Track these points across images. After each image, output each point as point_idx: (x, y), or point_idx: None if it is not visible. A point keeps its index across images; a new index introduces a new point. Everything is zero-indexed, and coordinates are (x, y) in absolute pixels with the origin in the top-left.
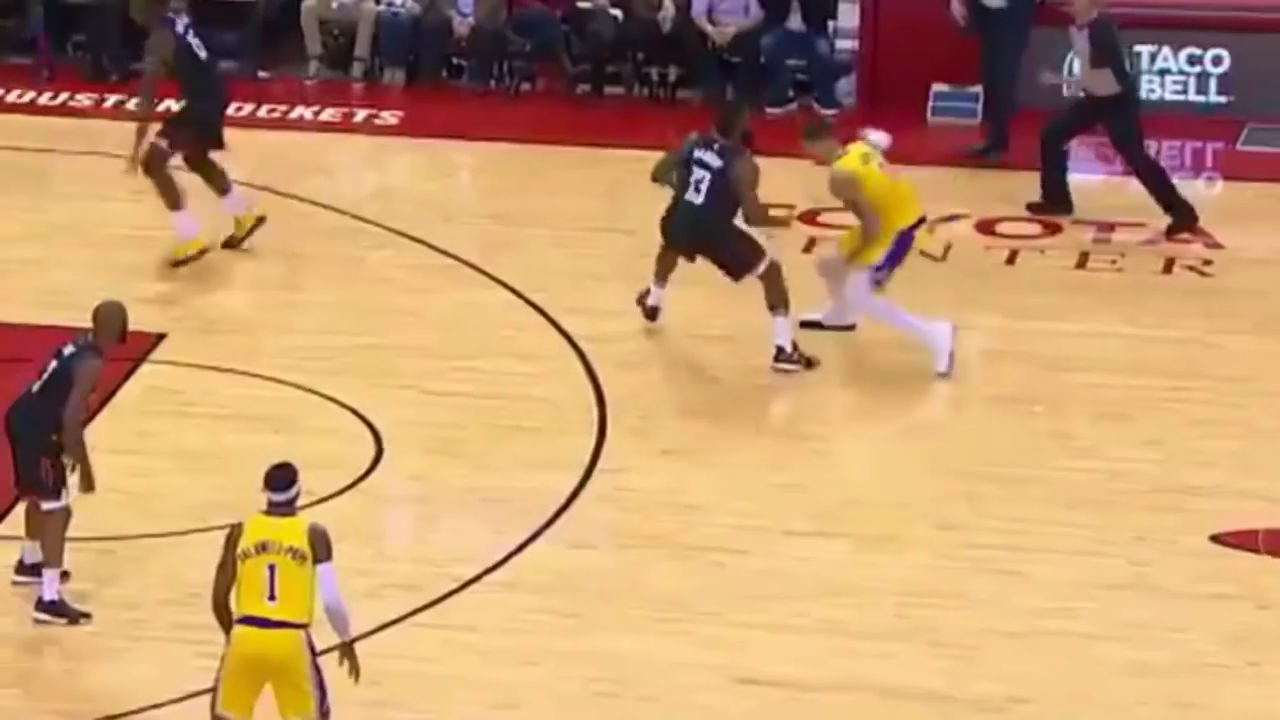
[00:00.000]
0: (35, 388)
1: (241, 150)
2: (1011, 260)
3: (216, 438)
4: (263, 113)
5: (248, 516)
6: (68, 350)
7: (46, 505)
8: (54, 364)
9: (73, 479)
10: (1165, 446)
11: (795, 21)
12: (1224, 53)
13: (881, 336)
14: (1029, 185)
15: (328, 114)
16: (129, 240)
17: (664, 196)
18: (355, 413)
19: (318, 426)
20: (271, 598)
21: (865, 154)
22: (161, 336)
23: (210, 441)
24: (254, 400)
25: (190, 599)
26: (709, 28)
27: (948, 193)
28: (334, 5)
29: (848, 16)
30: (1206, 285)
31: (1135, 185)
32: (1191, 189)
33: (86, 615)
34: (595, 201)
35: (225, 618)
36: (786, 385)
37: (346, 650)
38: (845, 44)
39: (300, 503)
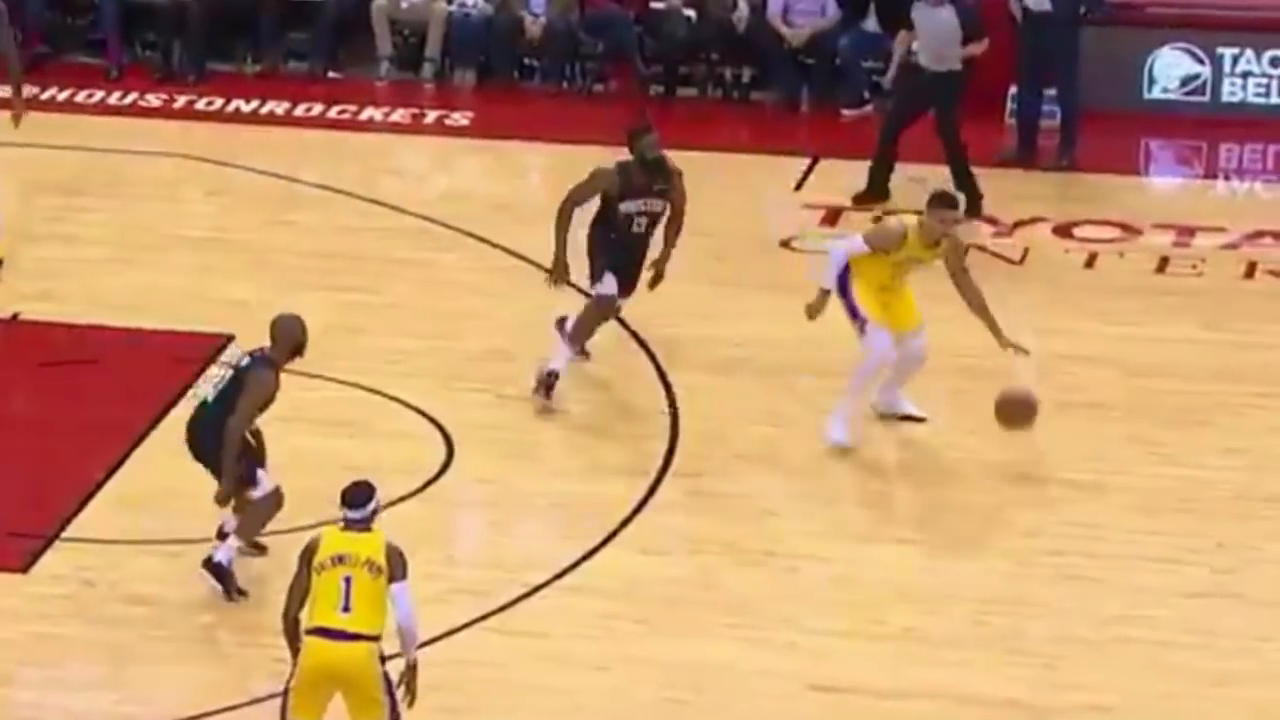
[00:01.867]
0: (210, 399)
1: (312, 151)
2: (1090, 264)
3: (287, 441)
4: (333, 113)
5: (324, 531)
6: (244, 362)
7: (254, 494)
8: (229, 374)
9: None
10: (1248, 454)
11: (871, 23)
12: None
13: (959, 343)
14: (1107, 189)
15: (398, 115)
16: (200, 242)
17: (736, 198)
18: (426, 416)
19: (388, 430)
20: (346, 609)
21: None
22: (230, 338)
23: (281, 444)
24: (325, 403)
25: (260, 603)
26: (784, 28)
27: (1025, 195)
28: (404, 5)
29: None
30: None
31: (1215, 190)
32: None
33: (244, 593)
34: None
35: (294, 633)
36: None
37: (410, 672)
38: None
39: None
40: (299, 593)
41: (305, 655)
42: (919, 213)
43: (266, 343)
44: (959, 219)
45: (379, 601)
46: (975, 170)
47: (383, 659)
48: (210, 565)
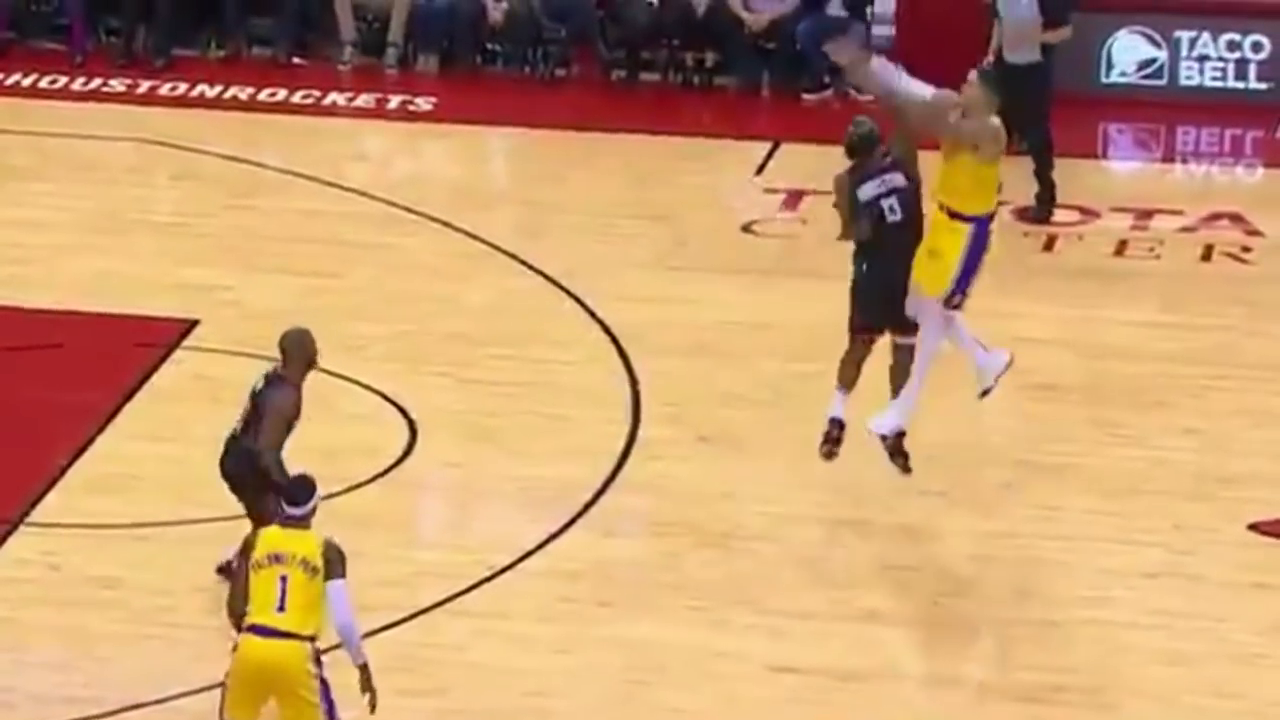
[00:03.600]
0: (237, 429)
1: (275, 136)
2: (1049, 247)
3: None
4: (297, 98)
5: (262, 529)
6: (258, 385)
7: None
8: (248, 403)
9: None
10: (1205, 435)
11: (836, 6)
12: (1264, 39)
13: None
14: (1066, 173)
15: (362, 100)
16: (164, 226)
17: (697, 183)
18: (390, 400)
19: (352, 413)
20: (281, 608)
21: None
22: (195, 323)
23: None
24: None
25: (222, 586)
26: (745, 14)
27: None
28: None
29: (884, 2)
30: (1247, 273)
31: (1173, 173)
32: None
33: None
34: (630, 188)
35: (238, 626)
36: (825, 374)
37: (363, 675)
38: (882, 30)
39: (335, 489)
40: (240, 589)
41: (240, 652)
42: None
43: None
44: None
45: (315, 601)
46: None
47: (318, 659)
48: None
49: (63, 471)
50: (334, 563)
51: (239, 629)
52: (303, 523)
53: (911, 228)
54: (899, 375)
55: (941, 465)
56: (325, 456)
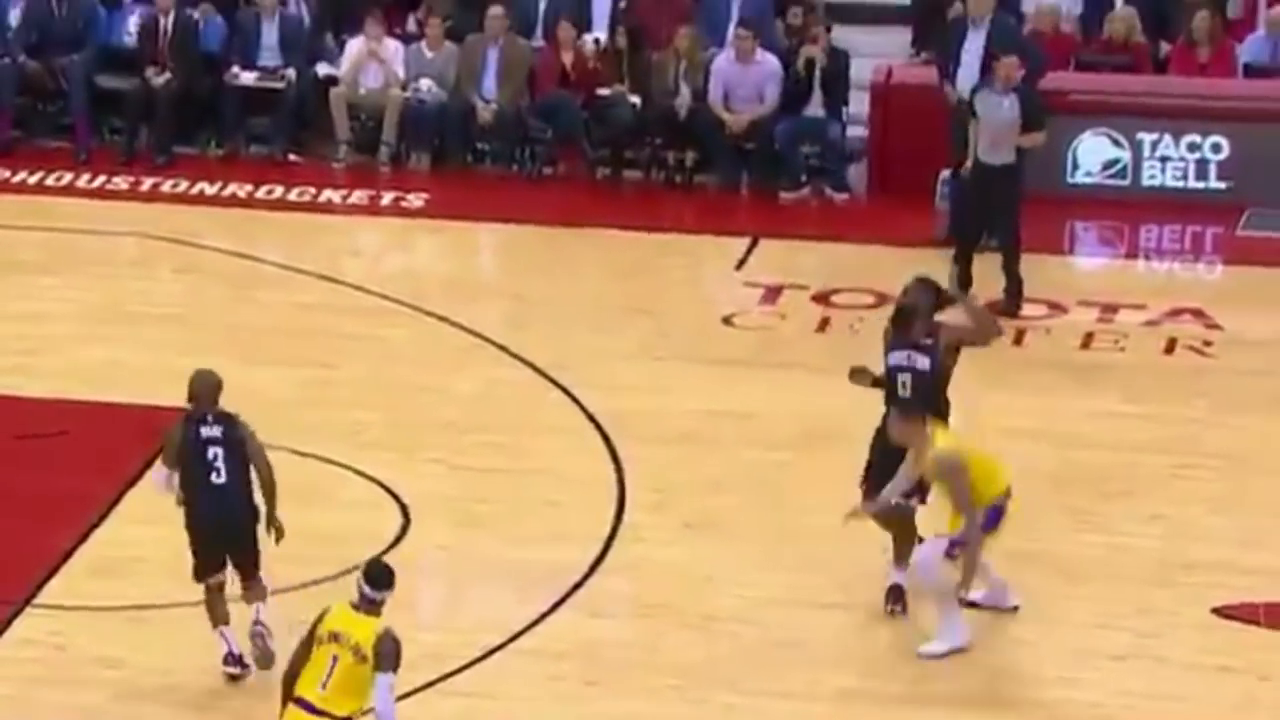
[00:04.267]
0: (221, 480)
1: (273, 231)
2: (1019, 340)
3: None
4: (294, 195)
5: (336, 604)
6: (218, 432)
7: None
8: (216, 450)
9: None
10: (1169, 522)
11: (814, 108)
12: (1223, 140)
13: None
14: (1034, 269)
15: (356, 196)
16: (166, 319)
17: (679, 277)
18: (383, 486)
19: (348, 498)
20: (323, 686)
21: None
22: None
23: None
24: (287, 473)
25: (220, 665)
26: (725, 115)
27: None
28: (362, 91)
29: (859, 104)
30: (1208, 366)
31: (1137, 269)
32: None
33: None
34: (615, 282)
35: (287, 691)
36: (801, 461)
37: None
38: (856, 130)
39: (330, 572)
40: (301, 654)
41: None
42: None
43: (189, 405)
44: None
45: (357, 686)
46: (909, 251)
47: None
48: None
49: (67, 555)
50: (384, 656)
51: (285, 689)
52: (374, 608)
53: (917, 408)
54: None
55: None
56: (324, 540)
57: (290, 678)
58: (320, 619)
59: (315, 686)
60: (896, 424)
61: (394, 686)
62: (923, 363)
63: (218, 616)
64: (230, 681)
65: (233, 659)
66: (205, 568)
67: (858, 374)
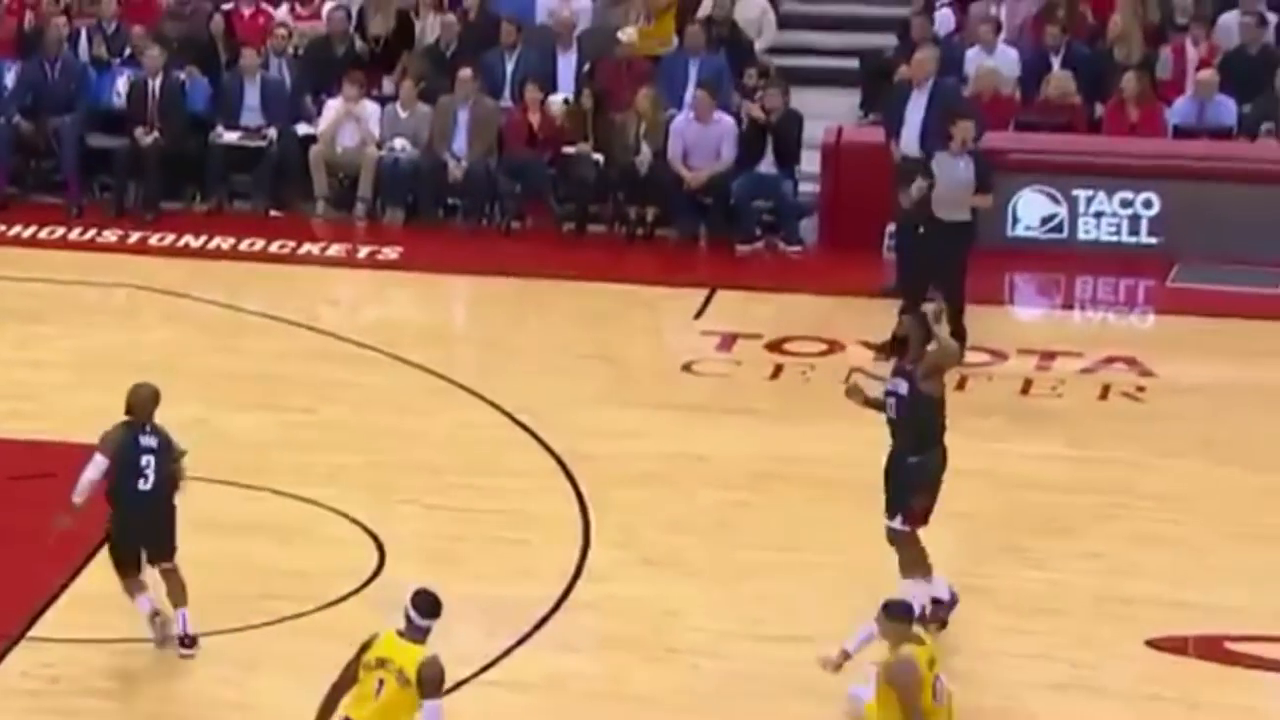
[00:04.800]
0: (149, 486)
1: (255, 282)
2: (961, 386)
3: (235, 547)
4: (274, 248)
5: (384, 631)
6: (154, 442)
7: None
8: (150, 458)
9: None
10: (1105, 559)
11: (767, 165)
12: (1154, 196)
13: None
14: (976, 318)
15: (334, 250)
16: (153, 365)
17: (641, 326)
18: (360, 524)
19: (326, 536)
20: (370, 709)
21: (933, 658)
22: (182, 454)
23: (229, 550)
24: (269, 512)
25: (206, 696)
26: (684, 171)
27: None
28: (339, 150)
29: (811, 162)
30: (1141, 411)
31: (1073, 319)
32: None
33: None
34: (580, 330)
35: (326, 709)
36: (760, 502)
37: None
38: (808, 187)
39: (307, 608)
40: (346, 677)
41: None
42: None
43: (127, 417)
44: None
45: (402, 710)
46: (857, 301)
47: None
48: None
49: (60, 590)
50: (428, 683)
51: (323, 709)
52: (420, 635)
53: (905, 429)
54: None
55: (867, 585)
56: (303, 577)
57: (329, 703)
58: (367, 646)
59: (362, 709)
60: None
61: (442, 710)
62: (903, 388)
63: (134, 590)
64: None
65: (154, 613)
66: (127, 568)
67: (854, 392)
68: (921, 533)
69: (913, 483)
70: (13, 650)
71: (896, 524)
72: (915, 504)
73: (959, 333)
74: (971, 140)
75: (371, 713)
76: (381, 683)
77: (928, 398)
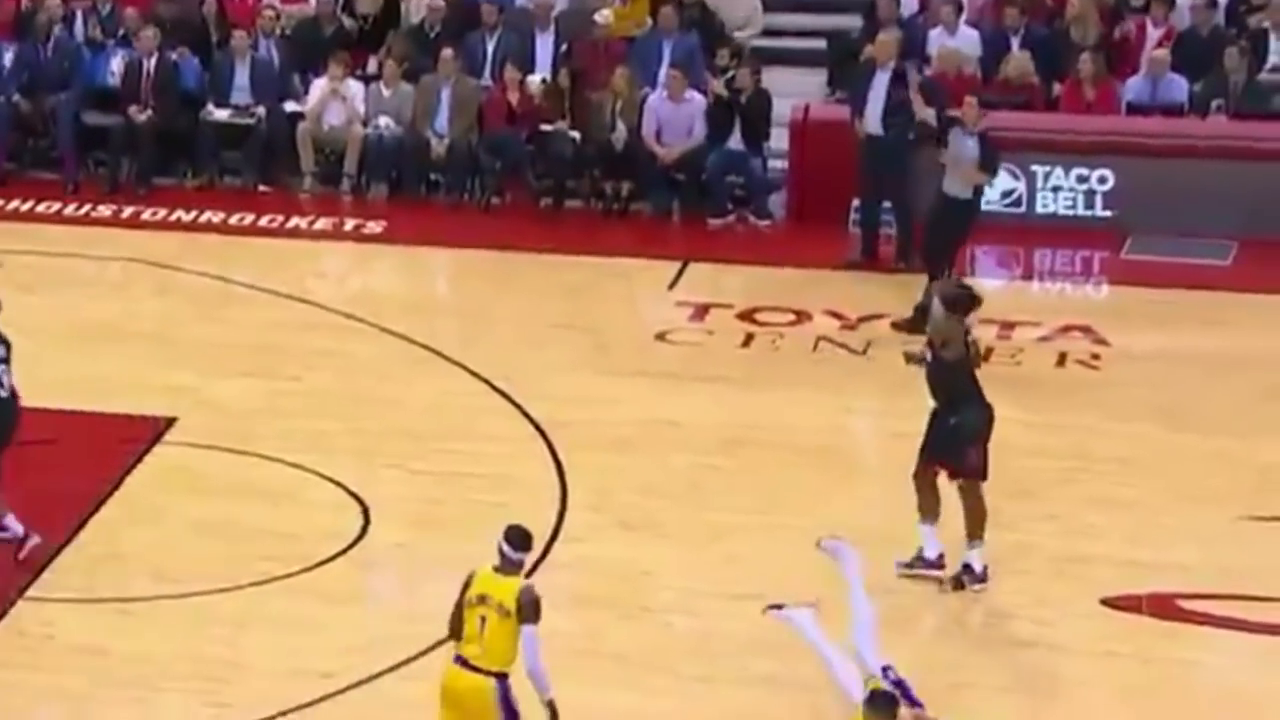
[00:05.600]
0: (3, 393)
1: (244, 255)
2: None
3: (221, 510)
4: (263, 222)
5: (479, 569)
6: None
7: None
8: (3, 367)
9: None
10: (1063, 521)
11: (735, 141)
12: (1108, 172)
13: (817, 437)
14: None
15: (320, 224)
16: (146, 335)
17: (616, 297)
18: (346, 488)
19: (312, 500)
20: (478, 645)
21: None
22: (173, 421)
23: (218, 513)
24: (257, 477)
25: (197, 653)
26: (657, 148)
27: (868, 294)
28: (326, 127)
29: (780, 139)
30: (1096, 378)
31: (1031, 290)
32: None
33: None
34: (557, 302)
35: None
36: (730, 466)
37: (549, 709)
38: (778, 163)
39: (295, 569)
40: (456, 615)
41: (442, 678)
42: None
43: None
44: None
45: (507, 642)
46: (823, 273)
47: (506, 693)
48: None
49: (57, 551)
50: (526, 608)
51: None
52: (514, 568)
53: (938, 393)
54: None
55: None
56: (291, 539)
57: (452, 632)
58: (467, 585)
59: (470, 645)
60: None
61: (538, 636)
62: (929, 355)
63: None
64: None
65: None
66: None
67: (911, 359)
68: (888, 497)
69: (960, 442)
70: (11, 609)
71: (959, 483)
72: (970, 460)
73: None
74: (979, 117)
75: (481, 648)
76: (484, 619)
77: (948, 363)
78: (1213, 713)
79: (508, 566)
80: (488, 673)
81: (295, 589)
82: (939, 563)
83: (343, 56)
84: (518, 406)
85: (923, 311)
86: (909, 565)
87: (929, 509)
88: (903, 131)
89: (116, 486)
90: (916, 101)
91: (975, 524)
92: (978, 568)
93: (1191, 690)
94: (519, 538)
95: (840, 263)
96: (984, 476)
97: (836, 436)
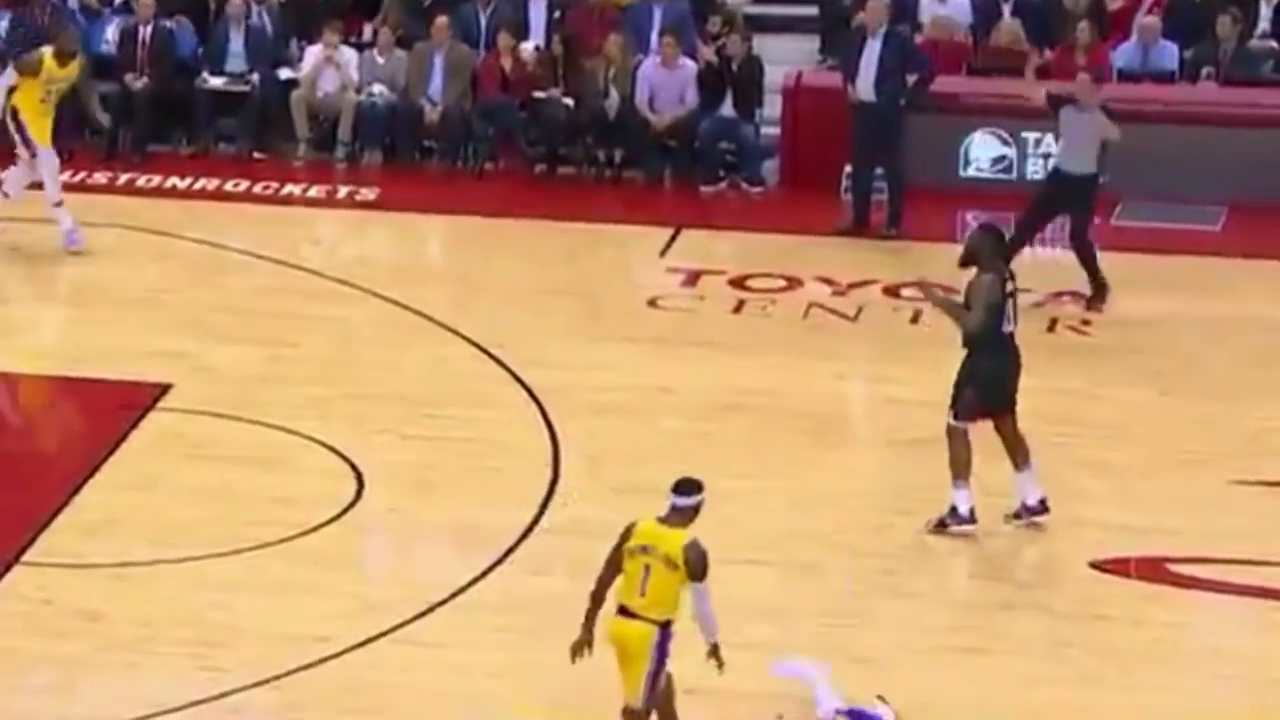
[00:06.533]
0: None
1: (239, 222)
2: (915, 320)
3: (217, 476)
4: (258, 189)
5: (641, 519)
6: None
7: None
8: None
9: None
10: (1051, 483)
11: (727, 108)
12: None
13: (808, 402)
14: (930, 255)
15: (315, 190)
16: (142, 302)
17: (609, 263)
18: (340, 454)
19: (307, 466)
20: (642, 594)
21: None
22: (169, 387)
23: (213, 478)
24: (252, 443)
25: (193, 618)
26: (650, 115)
27: (859, 260)
28: (320, 95)
29: (772, 106)
30: (1086, 344)
31: (1022, 255)
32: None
33: None
34: (550, 268)
35: (594, 604)
36: (718, 431)
37: (714, 650)
38: (770, 130)
39: (291, 534)
40: (611, 566)
41: (606, 628)
42: None
43: None
44: None
45: (670, 592)
46: (815, 239)
47: (663, 642)
48: None
49: (53, 516)
50: (694, 564)
51: (594, 598)
52: (682, 516)
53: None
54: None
55: (827, 510)
56: (285, 504)
57: (600, 585)
58: (627, 535)
59: (635, 595)
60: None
61: (708, 592)
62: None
63: None
64: None
65: None
66: None
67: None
68: (878, 461)
69: (960, 381)
70: (8, 573)
71: (949, 418)
72: (962, 400)
73: (1099, 288)
74: (1094, 92)
75: (645, 598)
76: (648, 568)
77: (983, 310)
78: (1201, 676)
79: (675, 517)
80: (650, 620)
81: (290, 554)
82: (1038, 508)
83: (336, 25)
84: (511, 372)
85: (1101, 288)
86: (1015, 515)
87: (1014, 457)
88: (894, 98)
89: (112, 452)
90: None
91: (955, 466)
92: (963, 509)
93: (1180, 653)
94: (688, 484)
95: (832, 229)
96: (969, 419)
97: (828, 402)
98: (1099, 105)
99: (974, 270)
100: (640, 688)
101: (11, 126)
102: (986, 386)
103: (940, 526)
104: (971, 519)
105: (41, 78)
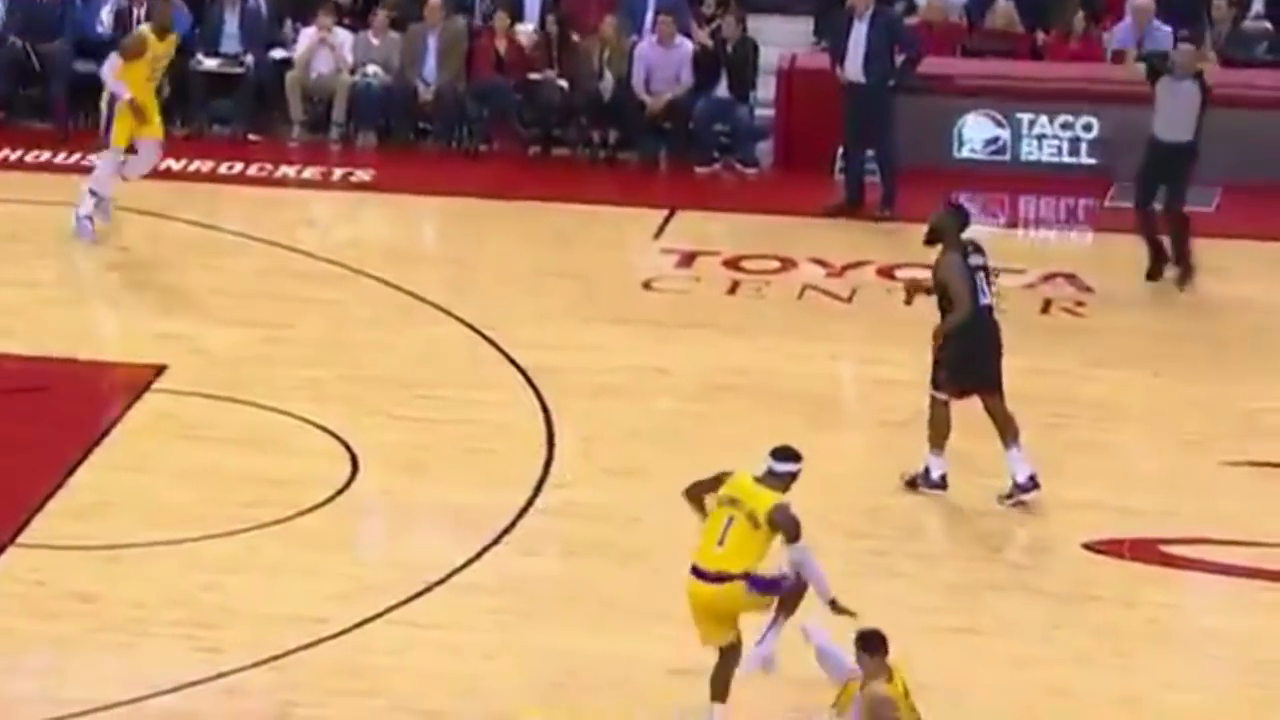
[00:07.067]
0: None
1: (233, 204)
2: (909, 301)
3: (214, 456)
4: (252, 171)
5: (739, 472)
6: None
7: None
8: None
9: None
10: (1045, 464)
11: (722, 90)
12: (1094, 120)
13: (802, 383)
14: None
15: (309, 172)
16: (136, 284)
17: (603, 245)
18: (334, 435)
19: (301, 447)
20: (720, 544)
21: (907, 689)
22: (163, 368)
23: (207, 460)
24: (246, 424)
25: (188, 599)
26: (645, 96)
27: (852, 241)
28: (314, 76)
29: (766, 87)
30: (1080, 325)
31: (1016, 237)
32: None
33: None
34: (545, 249)
35: (694, 501)
36: (712, 412)
37: (835, 607)
38: (764, 111)
39: (286, 514)
40: (704, 486)
41: (687, 588)
42: None
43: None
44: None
45: (750, 548)
46: (809, 221)
47: (756, 580)
48: None
49: (47, 498)
50: (784, 526)
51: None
52: (778, 480)
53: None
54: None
55: (818, 491)
56: (280, 485)
57: (695, 491)
58: (720, 480)
59: (711, 546)
60: None
61: (808, 550)
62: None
63: None
64: None
65: None
66: None
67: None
68: (870, 442)
69: (935, 356)
70: (2, 555)
71: (930, 389)
72: (937, 373)
73: (1188, 265)
74: (1194, 63)
75: (722, 549)
76: (731, 520)
77: (941, 285)
78: (1194, 656)
79: (771, 480)
80: (731, 576)
81: (285, 535)
82: (1029, 485)
83: (330, 6)
84: (505, 353)
85: (1188, 270)
86: (1007, 495)
87: (1003, 435)
88: (883, 79)
89: (107, 433)
90: None
91: (933, 435)
92: (934, 475)
93: (1172, 634)
94: (787, 451)
95: (821, 208)
96: (947, 391)
97: (822, 383)
98: (1195, 74)
99: (939, 247)
100: (730, 632)
101: (104, 112)
102: (963, 360)
103: (911, 485)
104: (942, 485)
105: (147, 56)
